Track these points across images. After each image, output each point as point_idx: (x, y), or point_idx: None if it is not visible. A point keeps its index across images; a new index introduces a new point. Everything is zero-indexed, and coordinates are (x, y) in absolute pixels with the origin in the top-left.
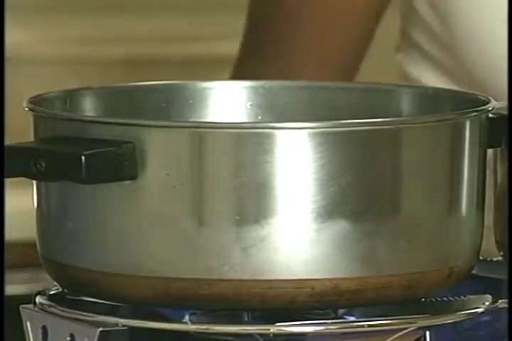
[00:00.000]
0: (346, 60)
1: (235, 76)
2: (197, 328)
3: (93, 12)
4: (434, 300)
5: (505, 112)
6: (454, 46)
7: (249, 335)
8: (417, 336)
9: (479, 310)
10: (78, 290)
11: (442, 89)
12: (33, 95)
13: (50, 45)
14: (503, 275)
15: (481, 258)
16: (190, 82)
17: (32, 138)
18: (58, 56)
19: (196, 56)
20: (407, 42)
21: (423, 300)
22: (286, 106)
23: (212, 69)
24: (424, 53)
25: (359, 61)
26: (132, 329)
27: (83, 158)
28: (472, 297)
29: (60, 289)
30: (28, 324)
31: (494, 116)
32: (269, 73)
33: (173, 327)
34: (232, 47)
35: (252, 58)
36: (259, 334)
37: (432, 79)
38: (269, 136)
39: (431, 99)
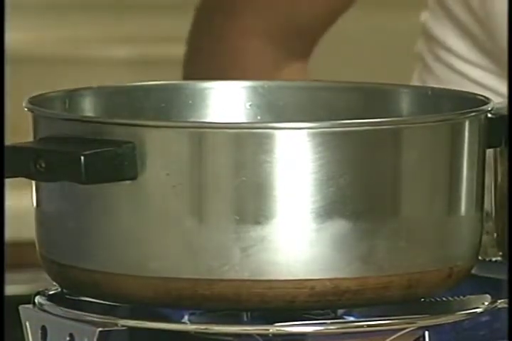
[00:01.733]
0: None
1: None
2: (196, 328)
3: (93, 12)
4: (434, 300)
5: (504, 112)
6: (488, 20)
7: (249, 335)
8: (417, 336)
9: (479, 310)
10: (78, 290)
11: (442, 89)
12: (33, 95)
13: (50, 45)
14: (503, 276)
15: (480, 258)
16: (190, 82)
17: (32, 138)
18: (58, 56)
19: None
20: (439, 6)
21: (423, 300)
22: (286, 106)
23: None
24: (456, 22)
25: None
26: (132, 329)
27: (83, 158)
28: (472, 297)
29: (60, 289)
30: (28, 324)
31: (494, 116)
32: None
33: (172, 327)
34: None
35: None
36: (258, 334)
37: (460, 47)
38: (269, 136)
39: (431, 99)
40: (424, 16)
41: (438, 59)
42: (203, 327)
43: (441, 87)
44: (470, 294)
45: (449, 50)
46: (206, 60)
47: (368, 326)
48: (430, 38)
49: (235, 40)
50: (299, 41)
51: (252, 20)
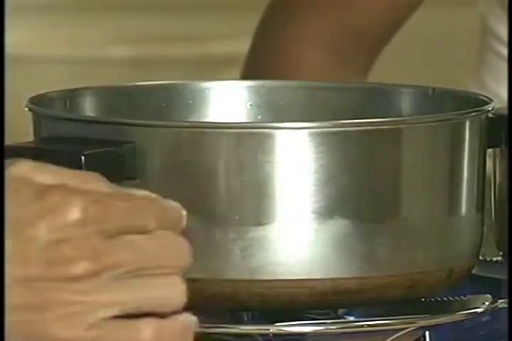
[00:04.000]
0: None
1: (254, 44)
2: (196, 328)
3: (93, 12)
4: (434, 300)
5: (505, 112)
6: None
7: (249, 335)
8: (417, 336)
9: (479, 310)
10: None
11: (443, 89)
12: (33, 95)
13: (51, 45)
14: (503, 276)
15: (480, 258)
16: (190, 82)
17: (32, 138)
18: (58, 56)
19: (196, 56)
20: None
21: (423, 300)
22: (286, 106)
23: (212, 69)
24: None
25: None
26: None
27: (83, 158)
28: (472, 297)
29: None
30: None
31: (494, 116)
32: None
33: None
34: (232, 47)
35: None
36: (259, 334)
37: None
38: (269, 136)
39: (431, 99)
40: (480, 8)
41: (495, 52)
42: (203, 327)
43: (498, 81)
44: (470, 294)
45: (503, 41)
46: (263, 63)
47: (369, 326)
48: (486, 31)
49: (291, 46)
50: (359, 52)
51: (312, 27)
